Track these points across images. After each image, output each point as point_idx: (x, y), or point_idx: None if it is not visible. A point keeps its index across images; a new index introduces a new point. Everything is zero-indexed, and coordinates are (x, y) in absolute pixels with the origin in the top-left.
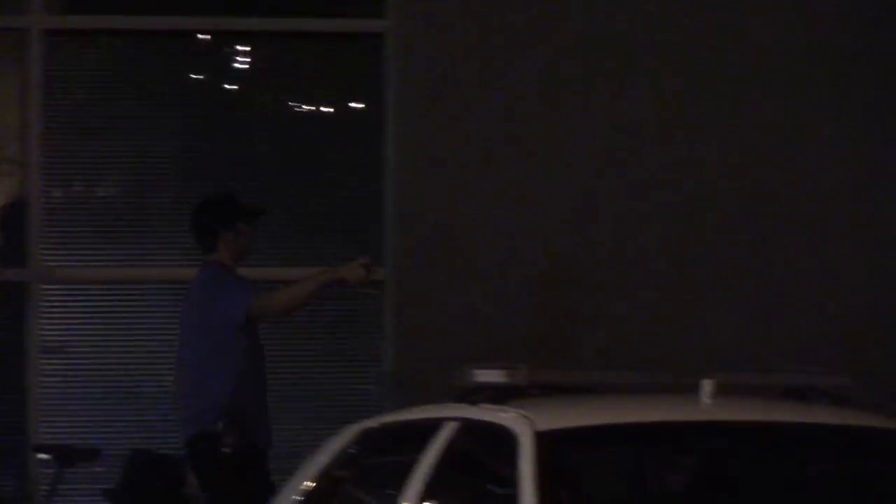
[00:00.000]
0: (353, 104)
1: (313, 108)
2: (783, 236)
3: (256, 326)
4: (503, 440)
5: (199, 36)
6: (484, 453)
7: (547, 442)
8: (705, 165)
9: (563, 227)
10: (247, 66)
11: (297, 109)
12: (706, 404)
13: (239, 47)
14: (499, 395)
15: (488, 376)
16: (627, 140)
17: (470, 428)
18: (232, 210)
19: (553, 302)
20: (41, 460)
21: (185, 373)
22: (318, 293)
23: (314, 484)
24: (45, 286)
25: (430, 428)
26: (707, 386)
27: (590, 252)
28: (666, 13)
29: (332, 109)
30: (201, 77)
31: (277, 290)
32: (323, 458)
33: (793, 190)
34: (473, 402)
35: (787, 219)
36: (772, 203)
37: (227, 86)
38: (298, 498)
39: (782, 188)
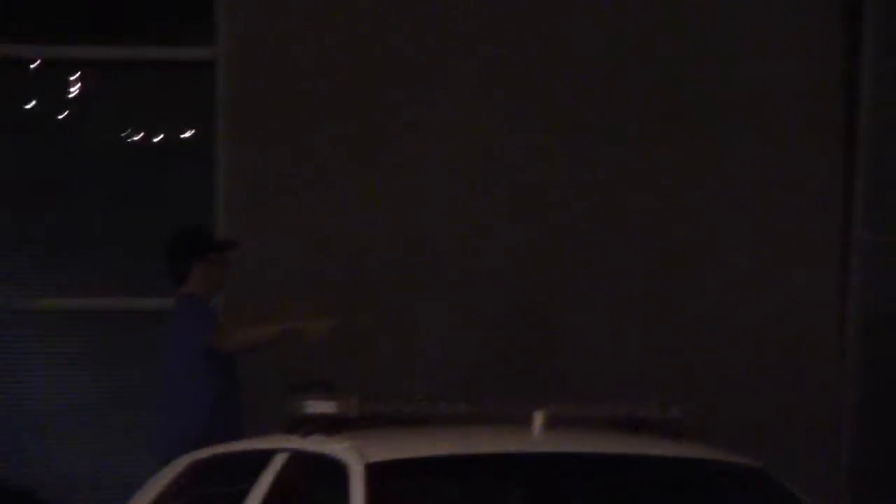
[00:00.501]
0: (183, 132)
1: (144, 136)
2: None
3: (230, 358)
4: (334, 472)
5: (30, 65)
6: (314, 485)
7: (377, 473)
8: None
9: (402, 253)
10: (77, 95)
11: (128, 138)
12: (536, 435)
13: (69, 76)
14: (330, 425)
15: (319, 407)
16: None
17: (300, 459)
18: (204, 242)
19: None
20: None
21: (160, 401)
22: (280, 338)
23: None
24: None
25: (260, 460)
26: (538, 417)
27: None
28: (569, 53)
29: (163, 138)
30: (30, 106)
31: (241, 326)
32: (152, 490)
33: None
34: (305, 434)
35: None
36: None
37: (56, 114)
38: None
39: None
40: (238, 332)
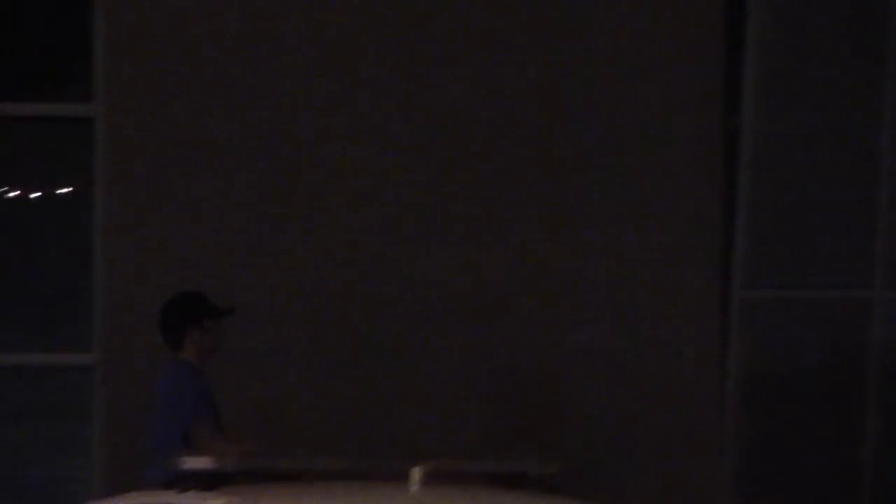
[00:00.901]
0: (62, 189)
1: (23, 193)
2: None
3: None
4: None
5: None
6: None
7: None
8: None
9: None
10: None
11: (7, 195)
12: (414, 491)
13: None
14: (208, 481)
15: (197, 463)
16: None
17: None
18: (199, 308)
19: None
20: None
21: (152, 464)
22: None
23: None
24: None
25: None
26: (416, 473)
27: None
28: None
29: (41, 194)
30: None
31: (214, 443)
32: None
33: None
34: (181, 489)
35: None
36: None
37: None
38: None
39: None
40: (210, 445)
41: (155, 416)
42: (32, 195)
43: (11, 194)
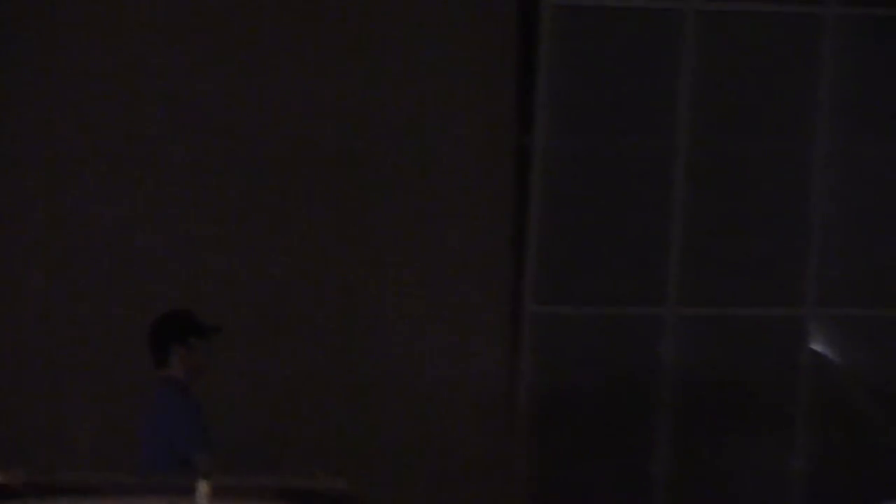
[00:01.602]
0: None
1: None
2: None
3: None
4: None
5: None
6: None
7: None
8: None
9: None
10: None
11: None
12: None
13: None
14: None
15: None
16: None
17: None
18: (186, 325)
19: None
20: None
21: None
22: None
23: None
24: None
25: None
26: (203, 487)
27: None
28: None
29: None
30: None
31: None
32: None
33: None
34: None
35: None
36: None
37: None
38: None
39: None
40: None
41: (143, 431)
42: None
43: None
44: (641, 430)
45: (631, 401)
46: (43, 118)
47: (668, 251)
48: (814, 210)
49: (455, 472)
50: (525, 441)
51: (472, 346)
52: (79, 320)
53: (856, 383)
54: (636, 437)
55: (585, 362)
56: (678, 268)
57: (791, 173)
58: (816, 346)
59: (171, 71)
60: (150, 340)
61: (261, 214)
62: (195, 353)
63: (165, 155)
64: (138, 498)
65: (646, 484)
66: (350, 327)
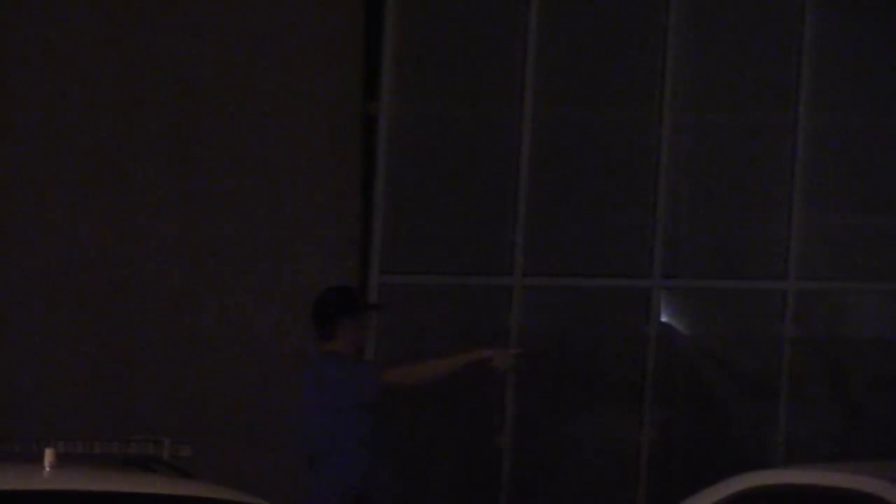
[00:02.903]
0: None
1: None
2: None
3: (382, 405)
4: None
5: None
6: None
7: None
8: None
9: None
10: None
11: None
12: (48, 473)
13: None
14: None
15: None
16: None
17: None
18: (352, 301)
19: None
20: None
21: (315, 461)
22: (459, 372)
23: None
24: None
25: None
26: (49, 455)
27: None
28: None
29: None
30: None
31: (415, 363)
32: None
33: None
34: None
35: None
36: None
37: None
38: None
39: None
40: (414, 369)
41: (308, 407)
42: None
43: None
44: (487, 400)
45: (478, 370)
46: None
47: (515, 221)
48: (661, 182)
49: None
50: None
51: None
52: None
53: (703, 355)
54: (482, 408)
55: (433, 332)
56: (525, 238)
57: (638, 145)
58: (664, 318)
59: None
60: (316, 315)
61: (101, 179)
62: (360, 328)
63: None
64: None
65: (492, 454)
66: (192, 299)
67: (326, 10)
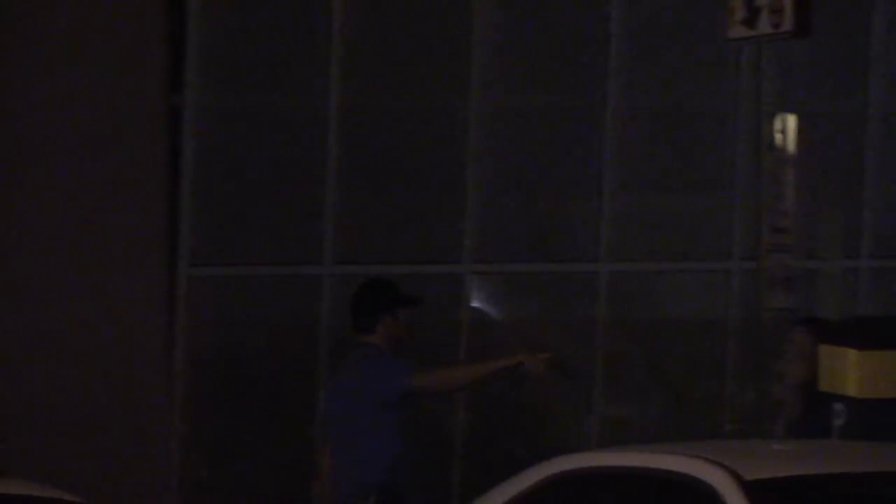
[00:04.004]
0: None
1: None
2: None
3: (409, 403)
4: None
5: None
6: None
7: None
8: None
9: None
10: None
11: None
12: None
13: None
14: None
15: None
16: None
17: None
18: (395, 296)
19: None
20: None
21: (338, 449)
22: (492, 378)
23: None
24: None
25: None
26: None
27: None
28: None
29: None
30: None
31: (445, 368)
32: None
33: None
34: None
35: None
36: None
37: None
38: None
39: None
40: (442, 374)
41: (335, 405)
42: None
43: None
44: (301, 389)
45: (291, 360)
46: None
47: (323, 209)
48: (471, 166)
49: (115, 435)
50: (183, 405)
51: (128, 310)
52: None
53: (517, 339)
54: (296, 397)
55: (244, 323)
56: (334, 226)
57: (448, 130)
58: (476, 303)
59: None
60: (356, 306)
61: None
62: (399, 323)
63: None
64: None
65: (306, 443)
66: (1, 295)
67: (129, 1)
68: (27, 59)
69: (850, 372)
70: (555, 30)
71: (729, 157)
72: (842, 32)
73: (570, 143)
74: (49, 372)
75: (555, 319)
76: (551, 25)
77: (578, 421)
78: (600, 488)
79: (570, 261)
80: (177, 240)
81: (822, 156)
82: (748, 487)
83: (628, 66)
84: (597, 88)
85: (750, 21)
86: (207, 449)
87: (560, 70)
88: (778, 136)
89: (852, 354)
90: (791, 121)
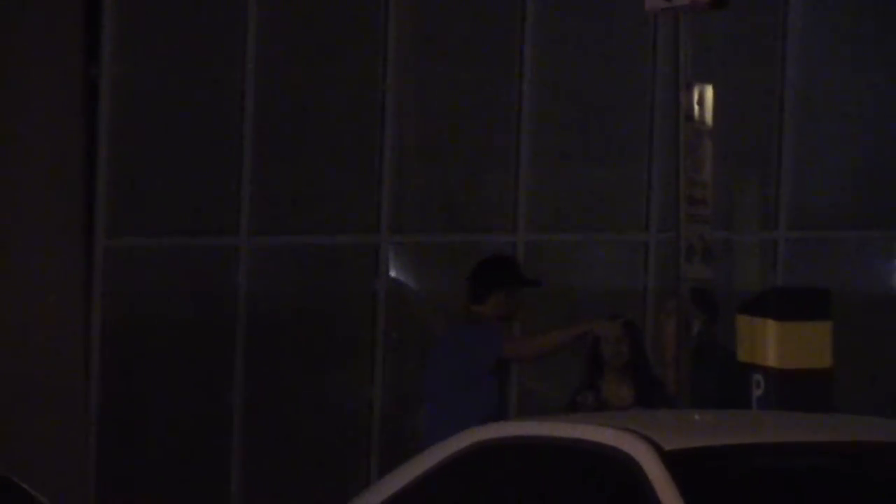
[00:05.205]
0: None
1: None
2: None
3: (505, 370)
4: None
5: None
6: None
7: None
8: None
9: None
10: None
11: None
12: None
13: None
14: None
15: None
16: None
17: None
18: (513, 274)
19: None
20: None
21: (434, 415)
22: (572, 343)
23: None
24: None
25: None
26: None
27: None
28: None
29: None
30: None
31: (532, 335)
32: None
33: None
34: None
35: None
36: None
37: None
38: None
39: None
40: (530, 341)
41: (443, 368)
42: None
43: None
44: (218, 360)
45: (208, 332)
46: None
47: (240, 181)
48: (387, 136)
49: (32, 406)
50: (100, 375)
51: (45, 282)
52: None
53: (434, 310)
54: (213, 368)
55: (161, 294)
56: (250, 197)
57: (362, 100)
58: (393, 273)
59: None
60: (474, 276)
61: None
62: (512, 301)
63: None
64: None
65: (223, 414)
66: None
67: None
68: None
69: (768, 343)
70: (470, 1)
71: (646, 129)
72: (759, 4)
73: (486, 114)
74: None
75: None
76: None
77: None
78: (518, 458)
79: (487, 231)
80: (94, 211)
81: (739, 127)
82: (668, 457)
83: (545, 37)
84: (513, 60)
85: None
86: (124, 419)
87: (476, 41)
88: (695, 108)
89: (771, 326)
90: (708, 92)
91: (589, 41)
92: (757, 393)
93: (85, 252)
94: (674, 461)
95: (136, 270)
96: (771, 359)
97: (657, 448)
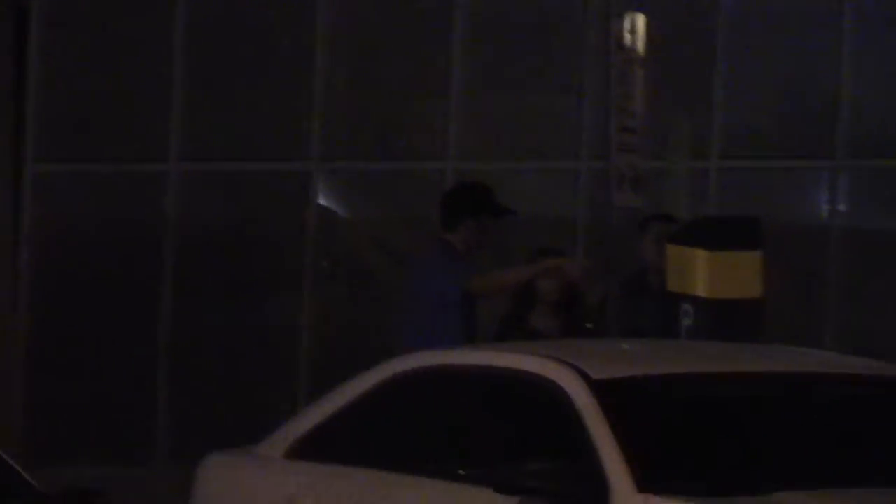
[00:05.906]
0: None
1: None
2: None
3: (473, 305)
4: None
5: None
6: None
7: None
8: None
9: None
10: None
11: None
12: None
13: None
14: None
15: None
16: None
17: None
18: (484, 201)
19: None
20: None
21: (407, 337)
22: (535, 278)
23: None
24: None
25: None
26: None
27: None
28: None
29: None
30: None
31: (496, 271)
32: None
33: None
34: None
35: None
36: None
37: None
38: None
39: None
40: (494, 277)
41: (414, 294)
42: None
43: None
44: (146, 289)
45: (136, 258)
46: None
47: (170, 107)
48: (317, 63)
49: None
50: (27, 303)
51: None
52: None
53: (363, 238)
54: (141, 297)
55: (90, 220)
56: (180, 123)
57: (293, 28)
58: (323, 201)
59: None
60: (444, 204)
61: None
62: (481, 229)
63: None
64: None
65: (150, 344)
66: None
67: None
68: None
69: (699, 273)
70: None
71: (578, 57)
72: None
73: (417, 41)
74: None
75: (402, 218)
76: None
77: None
78: (444, 386)
79: (418, 159)
80: (23, 137)
81: (671, 56)
82: (595, 386)
83: None
84: None
85: None
86: (52, 346)
87: None
88: (627, 36)
89: (701, 255)
90: (640, 21)
91: None
92: (686, 322)
93: (14, 176)
94: (602, 390)
95: (65, 196)
96: (701, 288)
97: (585, 377)
